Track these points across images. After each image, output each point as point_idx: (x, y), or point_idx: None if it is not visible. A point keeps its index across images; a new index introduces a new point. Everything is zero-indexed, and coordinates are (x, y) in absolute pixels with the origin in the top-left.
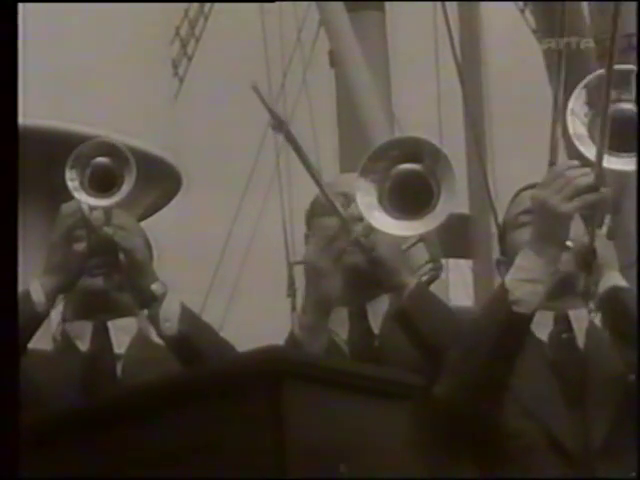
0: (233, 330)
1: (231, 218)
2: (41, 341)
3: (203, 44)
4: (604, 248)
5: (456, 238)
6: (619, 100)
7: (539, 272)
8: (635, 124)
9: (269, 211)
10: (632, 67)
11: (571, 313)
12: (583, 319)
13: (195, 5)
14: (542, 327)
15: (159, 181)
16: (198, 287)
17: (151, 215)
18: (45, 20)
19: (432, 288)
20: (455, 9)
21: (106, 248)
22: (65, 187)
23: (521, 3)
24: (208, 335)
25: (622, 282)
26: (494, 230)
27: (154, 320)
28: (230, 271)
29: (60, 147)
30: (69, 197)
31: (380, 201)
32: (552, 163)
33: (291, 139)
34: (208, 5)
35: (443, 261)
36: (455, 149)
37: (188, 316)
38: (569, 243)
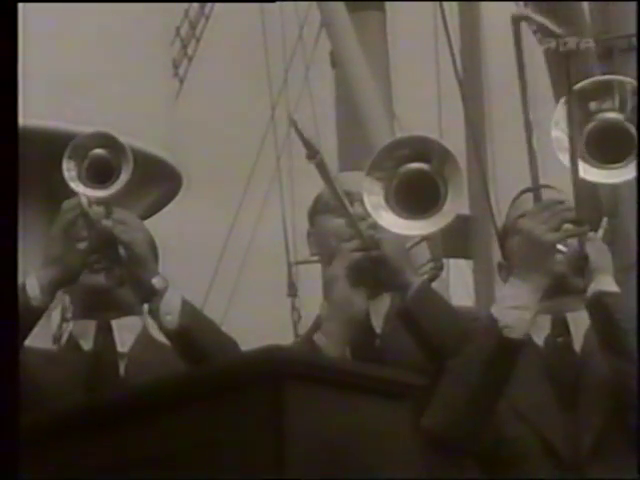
0: (233, 330)
1: (231, 218)
2: (42, 341)
3: (204, 44)
4: (598, 252)
5: (456, 238)
6: (600, 110)
7: (526, 299)
8: (621, 131)
9: (269, 211)
10: (612, 77)
11: (570, 316)
12: (583, 322)
13: (195, 5)
14: (539, 330)
15: (159, 181)
16: (198, 287)
17: (151, 216)
18: (45, 20)
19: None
20: (455, 9)
21: (106, 242)
22: (65, 187)
23: (521, 3)
24: (210, 329)
25: (611, 287)
26: (494, 230)
27: (155, 314)
28: (230, 271)
29: (60, 147)
30: (69, 196)
31: (387, 200)
32: (534, 178)
33: (323, 169)
34: (209, 5)
35: (444, 261)
36: (455, 150)
37: (189, 310)
38: (562, 247)
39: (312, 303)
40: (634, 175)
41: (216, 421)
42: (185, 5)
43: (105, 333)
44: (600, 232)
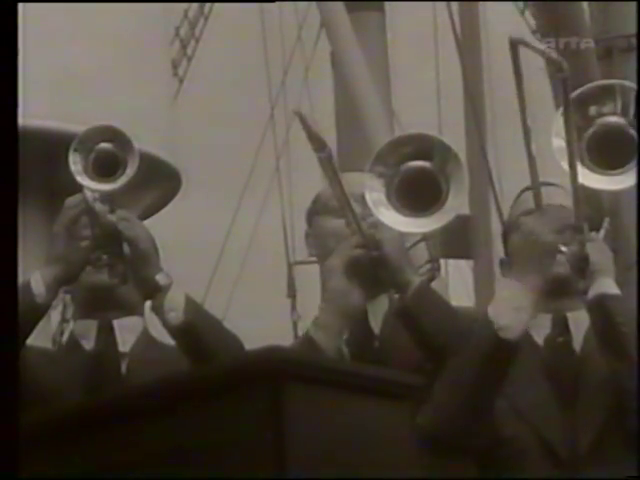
0: (233, 330)
1: (230, 218)
2: (42, 341)
3: (203, 45)
4: (599, 253)
5: (456, 238)
6: (601, 115)
7: (523, 300)
8: (623, 136)
9: (269, 211)
10: (613, 81)
11: (570, 317)
12: (583, 322)
13: (195, 5)
14: (539, 329)
15: (159, 181)
16: (197, 288)
17: (151, 215)
18: (45, 20)
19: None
20: (455, 10)
21: (110, 238)
22: (65, 186)
23: (521, 3)
24: (213, 326)
25: (612, 289)
26: (494, 230)
27: (158, 311)
28: (230, 271)
29: (60, 147)
30: (69, 195)
31: (388, 197)
32: (533, 181)
33: (329, 165)
34: (208, 5)
35: (442, 261)
36: (455, 149)
37: (193, 306)
38: (563, 248)
39: (312, 303)
40: (634, 182)
41: (216, 421)
42: (184, 5)
43: (107, 333)
44: (602, 232)
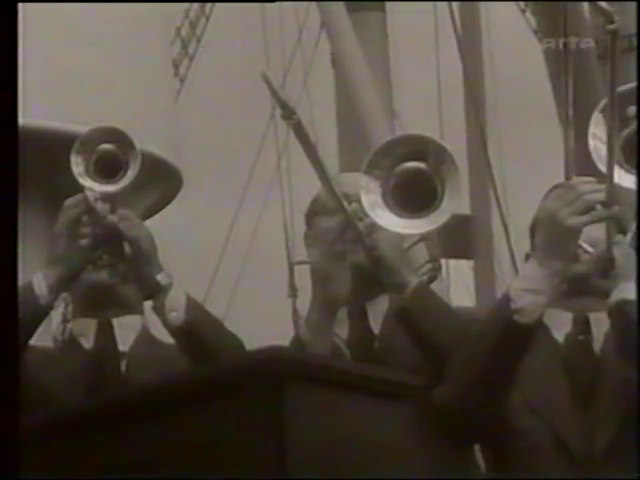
0: (233, 331)
1: (231, 218)
2: (42, 341)
3: (204, 44)
4: (625, 257)
5: (457, 239)
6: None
7: (541, 283)
8: None
9: (269, 211)
10: None
11: (592, 316)
12: (605, 321)
13: (196, 5)
14: (560, 327)
15: (159, 181)
16: (198, 288)
17: (152, 215)
18: (45, 20)
19: (432, 288)
20: (456, 10)
21: (111, 238)
22: (65, 187)
23: (522, 3)
24: (215, 326)
25: (635, 295)
26: (495, 231)
27: (159, 311)
28: (230, 272)
29: (60, 147)
30: (70, 196)
31: (384, 198)
32: (568, 177)
33: (300, 130)
34: (209, 5)
35: (443, 262)
36: (456, 150)
37: (194, 306)
38: (590, 248)
39: None
40: None
41: (216, 421)
42: (185, 5)
43: (106, 332)
44: (629, 236)
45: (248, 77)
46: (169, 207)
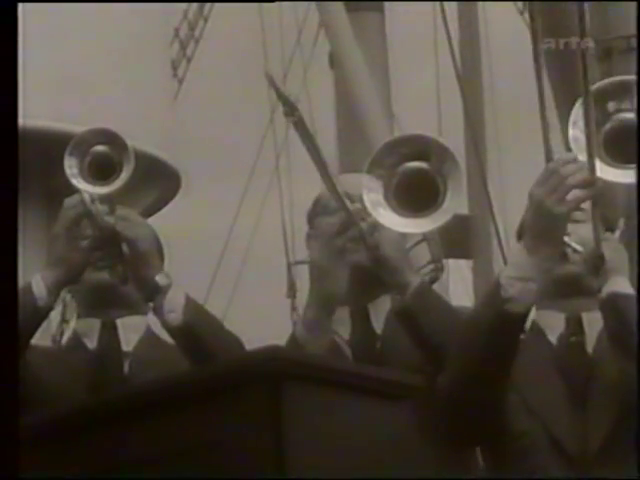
0: (233, 331)
1: (230, 218)
2: (42, 340)
3: (202, 45)
4: (614, 252)
5: (456, 238)
6: (619, 110)
7: (531, 270)
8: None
9: (268, 211)
10: (632, 77)
11: (584, 316)
12: (597, 322)
13: (194, 6)
14: (554, 329)
15: (158, 181)
16: (197, 288)
17: (151, 215)
18: (45, 20)
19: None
20: (454, 10)
21: (109, 239)
22: (65, 186)
23: (520, 4)
24: (213, 326)
25: (626, 289)
26: (494, 230)
27: (158, 311)
28: (229, 272)
29: (60, 147)
30: (68, 196)
31: (386, 198)
32: (549, 160)
33: (302, 126)
34: (207, 6)
35: (444, 261)
36: (454, 150)
37: (193, 307)
38: (580, 248)
39: None
40: None
41: (216, 421)
42: (184, 6)
43: (110, 332)
44: (617, 233)
45: (247, 78)
46: (167, 207)
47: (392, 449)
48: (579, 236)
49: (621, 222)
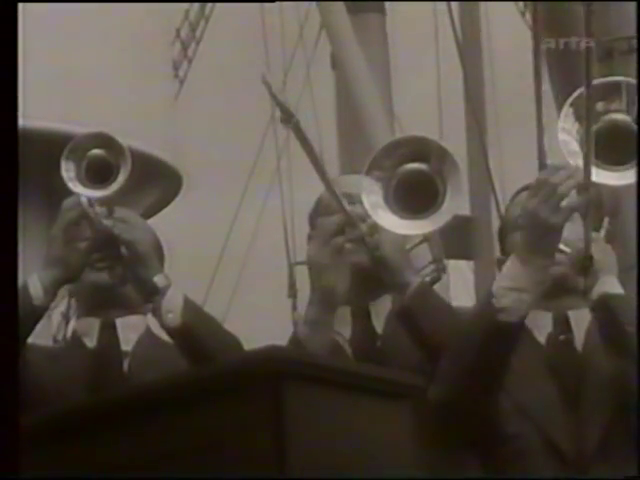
0: (233, 330)
1: (231, 219)
2: (42, 340)
3: (203, 46)
4: (601, 252)
5: (457, 239)
6: (608, 111)
7: (525, 281)
8: (629, 133)
9: (269, 211)
10: (619, 78)
11: (571, 314)
12: (584, 319)
13: (196, 7)
14: (542, 329)
15: (159, 182)
16: (198, 288)
17: (152, 216)
18: (45, 20)
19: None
20: (456, 10)
21: (107, 241)
22: (65, 187)
23: (521, 4)
24: (212, 327)
25: (616, 288)
26: (495, 231)
27: (157, 312)
28: (230, 272)
29: (60, 147)
30: (68, 197)
31: (386, 200)
32: (542, 166)
33: (299, 132)
34: (209, 7)
35: (445, 262)
36: (456, 150)
37: (191, 308)
38: (566, 248)
39: None
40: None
41: (216, 421)
42: (185, 6)
43: (109, 331)
44: (602, 232)
45: (248, 78)
46: (168, 208)
47: (392, 449)
48: (563, 236)
49: (606, 221)
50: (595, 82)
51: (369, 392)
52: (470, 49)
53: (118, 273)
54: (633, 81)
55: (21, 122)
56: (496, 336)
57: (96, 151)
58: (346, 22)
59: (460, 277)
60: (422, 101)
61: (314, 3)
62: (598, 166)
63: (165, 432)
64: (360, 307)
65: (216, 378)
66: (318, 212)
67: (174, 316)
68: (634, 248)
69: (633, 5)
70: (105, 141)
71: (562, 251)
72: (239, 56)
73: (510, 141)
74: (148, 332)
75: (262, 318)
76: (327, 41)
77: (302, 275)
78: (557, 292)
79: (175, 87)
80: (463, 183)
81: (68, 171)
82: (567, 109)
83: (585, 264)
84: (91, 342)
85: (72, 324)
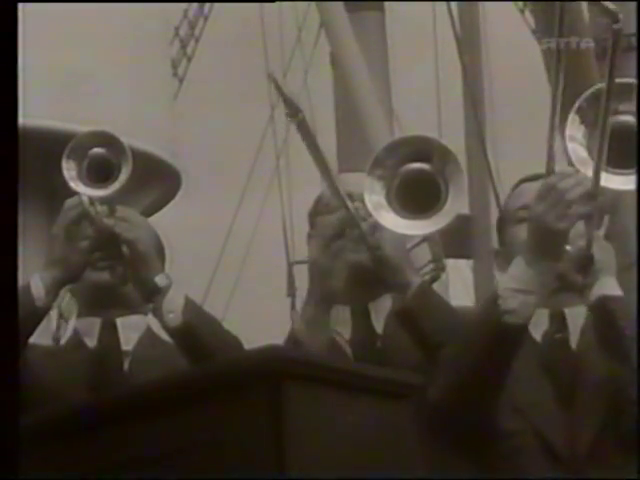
0: (233, 330)
1: (231, 218)
2: (42, 340)
3: (202, 44)
4: (602, 252)
5: (456, 238)
6: (617, 112)
7: (531, 283)
8: (635, 136)
9: (269, 210)
10: (631, 80)
11: (567, 312)
12: (580, 317)
13: (194, 5)
14: (537, 327)
15: (159, 181)
16: (197, 287)
17: (151, 215)
18: (45, 20)
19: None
20: (454, 8)
21: (108, 240)
22: (65, 186)
23: (521, 3)
24: (213, 327)
25: (615, 290)
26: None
27: (158, 312)
28: (230, 271)
29: (60, 147)
30: (69, 196)
31: (388, 200)
32: (549, 172)
33: (304, 128)
34: (208, 5)
35: (444, 261)
36: (455, 150)
37: (192, 308)
38: (567, 247)
39: None
40: None
41: (215, 421)
42: (184, 5)
43: (110, 331)
44: (602, 230)
45: (247, 77)
46: (168, 207)
47: (392, 448)
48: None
49: (606, 219)
50: (602, 84)
51: (369, 392)
52: (469, 47)
53: (119, 273)
54: None
55: (21, 121)
56: (501, 338)
57: (97, 150)
58: (345, 21)
59: (459, 276)
60: (421, 99)
61: (313, 2)
62: (604, 170)
63: (165, 432)
64: (360, 307)
65: (216, 378)
66: (318, 211)
67: (175, 316)
68: (633, 246)
69: (633, 3)
70: (106, 140)
71: (564, 253)
72: (238, 55)
73: (509, 140)
74: (149, 332)
75: (262, 318)
76: (326, 40)
77: (301, 274)
78: (555, 289)
79: (174, 85)
80: (465, 183)
81: (69, 170)
82: (573, 116)
83: (585, 263)
84: (92, 342)
85: (71, 323)
